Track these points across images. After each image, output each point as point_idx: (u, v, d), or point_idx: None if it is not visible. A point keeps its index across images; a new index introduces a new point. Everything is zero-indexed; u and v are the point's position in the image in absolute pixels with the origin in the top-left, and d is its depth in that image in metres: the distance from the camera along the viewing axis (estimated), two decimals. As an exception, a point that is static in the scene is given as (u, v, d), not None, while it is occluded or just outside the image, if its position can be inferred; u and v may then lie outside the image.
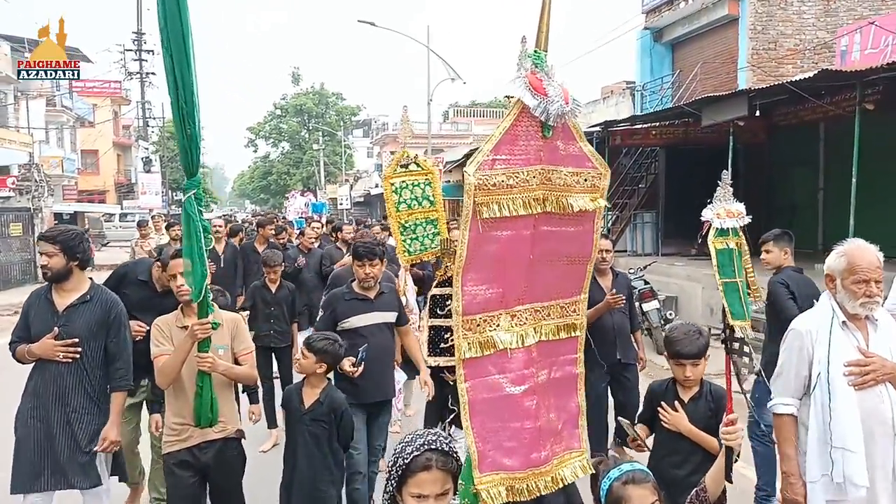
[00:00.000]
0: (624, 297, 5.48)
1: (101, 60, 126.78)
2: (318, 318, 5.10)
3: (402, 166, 5.61)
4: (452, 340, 3.55)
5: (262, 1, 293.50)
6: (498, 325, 2.24)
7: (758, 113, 11.13)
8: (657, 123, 14.75)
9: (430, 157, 22.53)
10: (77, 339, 3.62)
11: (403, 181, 5.58)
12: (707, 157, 14.44)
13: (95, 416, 3.72)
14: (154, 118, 35.85)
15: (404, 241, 5.57)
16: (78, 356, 3.64)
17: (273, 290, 6.72)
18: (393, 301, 5.02)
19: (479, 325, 2.20)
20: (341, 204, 45.14)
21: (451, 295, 5.07)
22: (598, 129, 14.76)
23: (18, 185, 21.32)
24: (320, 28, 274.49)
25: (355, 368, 4.44)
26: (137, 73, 29.28)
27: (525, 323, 2.31)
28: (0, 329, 12.31)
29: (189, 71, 2.89)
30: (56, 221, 25.22)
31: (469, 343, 2.18)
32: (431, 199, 5.65)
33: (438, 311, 4.66)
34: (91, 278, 3.84)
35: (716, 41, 17.79)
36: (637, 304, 9.15)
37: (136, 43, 28.72)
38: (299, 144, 62.98)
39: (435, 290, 4.78)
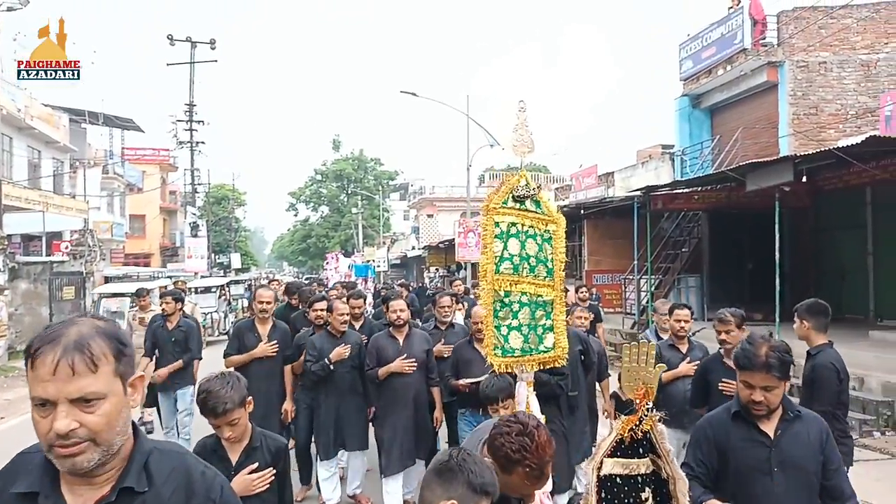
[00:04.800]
0: None
1: (151, 130, 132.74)
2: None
3: (515, 198, 3.47)
4: None
5: (304, 75, 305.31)
6: None
7: (804, 178, 11.13)
8: (700, 188, 14.80)
9: (471, 219, 22.80)
10: None
11: (514, 223, 3.45)
12: (751, 222, 14.44)
13: None
14: (201, 184, 37.00)
15: (498, 328, 3.38)
16: None
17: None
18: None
19: None
20: (378, 266, 45.61)
21: (641, 478, 2.61)
22: (639, 193, 14.86)
23: (73, 249, 22.08)
24: (360, 96, 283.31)
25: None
26: (188, 142, 30.43)
27: None
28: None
29: None
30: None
31: None
32: (550, 265, 3.53)
33: None
34: None
35: (756, 107, 17.94)
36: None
37: (187, 114, 29.97)
38: (338, 208, 64.33)
39: (613, 467, 2.57)
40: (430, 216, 47.15)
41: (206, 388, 2.82)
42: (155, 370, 7.14)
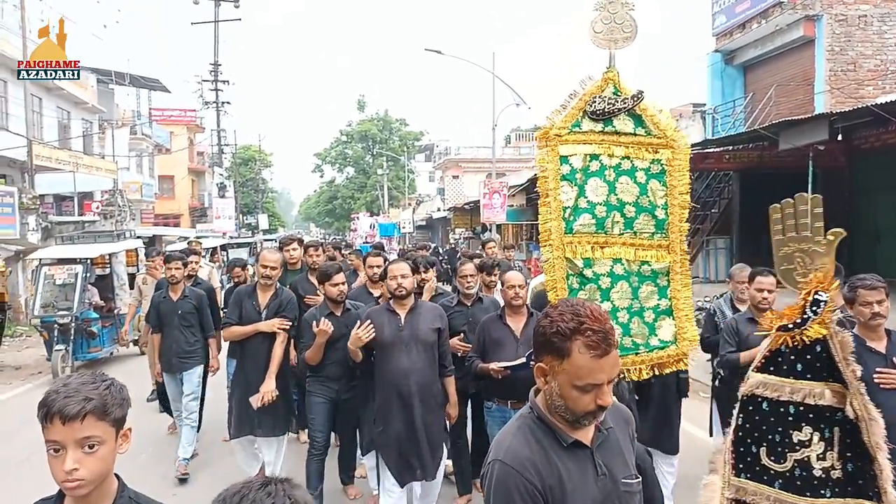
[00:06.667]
0: None
1: (176, 90, 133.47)
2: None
3: (594, 116, 2.36)
4: None
5: (331, 37, 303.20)
6: None
7: (839, 137, 10.83)
8: (731, 147, 14.49)
9: (496, 180, 22.59)
10: None
11: (595, 156, 2.34)
12: (784, 182, 14.02)
13: None
14: (227, 145, 37.19)
15: None
16: None
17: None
18: None
19: None
20: (404, 227, 45.72)
21: (795, 409, 1.79)
22: (668, 153, 14.58)
23: (103, 209, 22.41)
24: (385, 56, 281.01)
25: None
26: (214, 102, 30.47)
27: None
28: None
29: None
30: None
31: None
32: (662, 214, 2.46)
33: None
34: None
35: (791, 63, 17.41)
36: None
37: (212, 74, 29.96)
38: (363, 169, 64.34)
39: (758, 386, 2.07)
40: (455, 177, 46.94)
41: (63, 381, 1.69)
42: (161, 345, 6.23)
